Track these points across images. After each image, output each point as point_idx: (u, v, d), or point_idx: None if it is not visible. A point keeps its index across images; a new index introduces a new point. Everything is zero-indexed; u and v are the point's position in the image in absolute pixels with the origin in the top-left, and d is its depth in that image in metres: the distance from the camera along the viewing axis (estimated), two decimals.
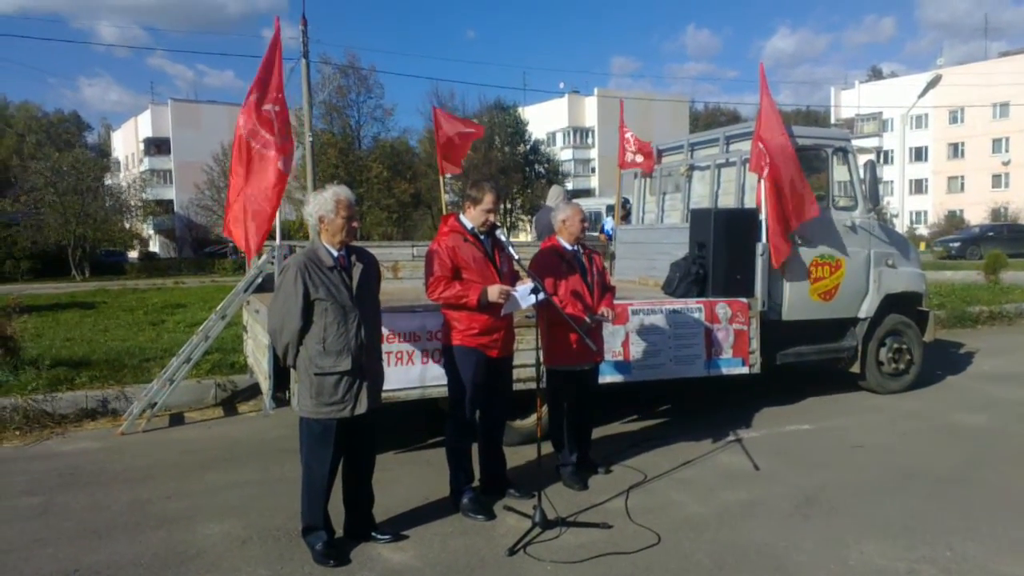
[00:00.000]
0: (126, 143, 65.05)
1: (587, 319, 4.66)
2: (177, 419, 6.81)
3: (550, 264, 4.76)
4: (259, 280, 6.70)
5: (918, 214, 58.21)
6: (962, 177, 59.05)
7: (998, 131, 57.17)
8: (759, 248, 6.47)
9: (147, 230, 52.51)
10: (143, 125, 60.80)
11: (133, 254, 42.93)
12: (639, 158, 8.55)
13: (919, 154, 60.62)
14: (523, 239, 30.23)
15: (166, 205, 54.99)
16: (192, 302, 15.30)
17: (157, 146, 58.40)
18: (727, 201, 7.23)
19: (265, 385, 5.62)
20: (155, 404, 6.56)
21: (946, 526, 4.11)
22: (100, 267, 33.22)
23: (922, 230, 51.38)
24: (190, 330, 9.68)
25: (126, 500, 4.70)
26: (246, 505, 4.56)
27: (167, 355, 7.88)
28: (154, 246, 55.33)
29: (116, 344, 9.22)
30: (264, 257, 6.78)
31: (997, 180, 57.34)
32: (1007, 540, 3.92)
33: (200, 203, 46.86)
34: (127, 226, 38.47)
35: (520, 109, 48.17)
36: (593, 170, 62.89)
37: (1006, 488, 4.69)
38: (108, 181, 40.08)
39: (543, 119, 59.31)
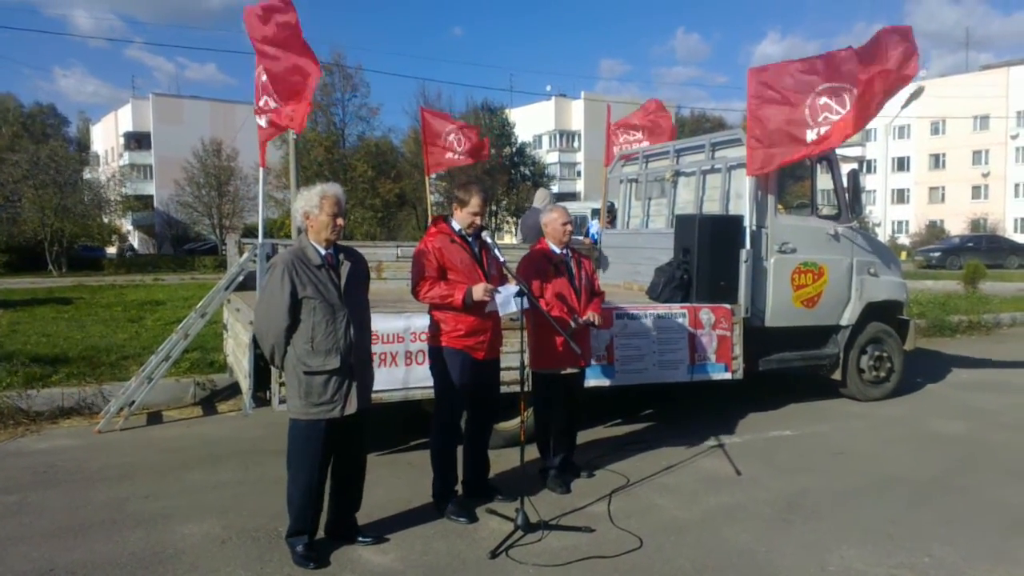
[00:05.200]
0: (106, 137, 64.35)
1: (572, 323, 4.66)
2: (155, 418, 6.72)
3: (537, 267, 4.76)
4: (240, 278, 6.63)
5: (900, 223, 58.99)
6: (943, 188, 59.95)
7: (978, 143, 58.14)
8: (743, 255, 6.50)
9: (126, 225, 51.91)
10: (123, 119, 60.19)
11: (112, 250, 42.39)
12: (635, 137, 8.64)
13: (901, 164, 61.49)
14: (508, 241, 30.22)
15: (146, 201, 54.42)
16: (171, 299, 15.14)
17: (137, 141, 57.80)
18: (712, 207, 7.26)
19: (245, 384, 5.56)
20: (133, 402, 6.46)
21: (925, 532, 4.14)
22: (78, 262, 32.75)
23: (903, 239, 52.05)
24: (169, 328, 9.57)
25: (103, 499, 4.62)
26: (225, 505, 4.51)
27: (145, 353, 7.79)
28: (133, 242, 54.70)
29: (94, 341, 9.09)
30: (246, 255, 6.73)
31: (977, 191, 58.31)
32: (985, 546, 3.96)
33: (180, 200, 46.42)
34: (106, 221, 37.97)
35: (507, 111, 48.18)
36: (579, 174, 63.10)
37: (984, 495, 4.75)
38: (87, 175, 39.57)
39: (529, 122, 59.42)
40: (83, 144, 63.96)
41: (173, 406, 7.04)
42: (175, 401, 7.12)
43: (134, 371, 7.01)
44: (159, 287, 20.12)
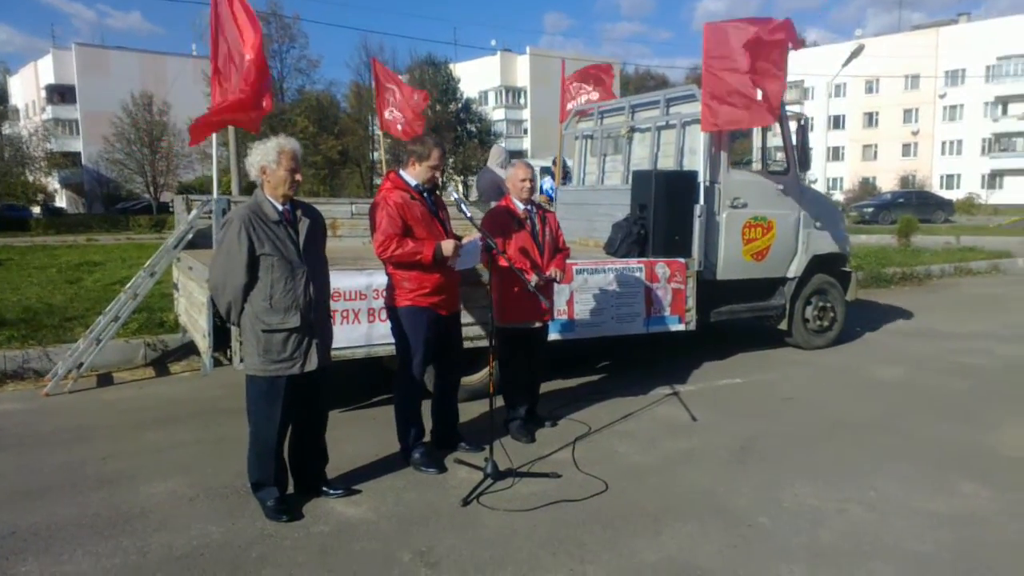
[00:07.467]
0: (25, 90, 60.61)
1: (534, 277, 4.70)
2: (105, 379, 6.54)
3: (500, 222, 4.77)
4: (189, 236, 6.45)
5: (835, 180, 60.66)
6: (876, 145, 61.84)
7: (909, 102, 59.96)
8: (697, 210, 6.64)
9: (53, 184, 49.47)
10: (44, 71, 56.72)
11: (37, 209, 40.34)
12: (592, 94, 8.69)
13: (837, 122, 62.94)
14: None
15: (73, 158, 51.81)
16: (109, 260, 14.58)
17: (61, 94, 54.69)
18: (667, 163, 7.35)
19: (203, 344, 5.45)
20: (81, 364, 6.28)
21: (870, 469, 4.40)
22: (2, 223, 31.13)
23: (838, 195, 53.62)
24: (110, 288, 9.29)
25: (59, 461, 4.52)
26: (190, 464, 4.46)
27: (89, 314, 7.55)
28: (60, 201, 52.18)
29: (31, 303, 8.73)
30: (195, 212, 6.55)
31: (907, 149, 60.35)
32: (924, 479, 4.24)
33: (110, 156, 44.35)
34: (30, 179, 36.08)
35: (451, 66, 47.30)
36: (526, 131, 62.65)
37: (921, 433, 5.06)
38: (7, 130, 37.40)
39: (475, 77, 58.49)
40: (1, 97, 60.15)
41: (124, 368, 6.87)
42: (125, 363, 6.94)
43: (79, 333, 6.79)
44: (94, 247, 19.34)
